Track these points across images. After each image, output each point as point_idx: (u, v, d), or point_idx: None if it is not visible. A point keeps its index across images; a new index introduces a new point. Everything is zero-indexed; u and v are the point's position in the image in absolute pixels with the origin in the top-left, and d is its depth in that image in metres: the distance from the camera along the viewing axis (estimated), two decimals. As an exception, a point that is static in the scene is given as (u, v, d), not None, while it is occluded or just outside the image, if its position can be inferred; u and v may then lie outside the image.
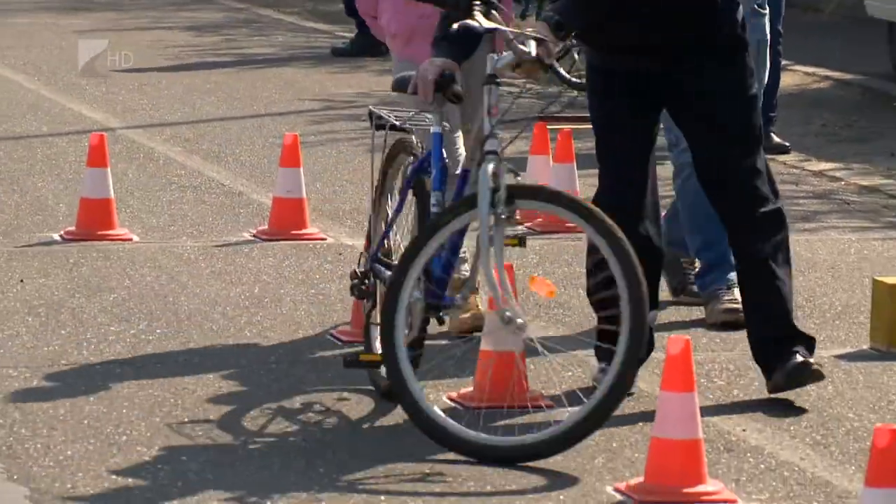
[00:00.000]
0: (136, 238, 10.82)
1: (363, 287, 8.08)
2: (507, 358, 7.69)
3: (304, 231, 10.94)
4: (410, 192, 8.00)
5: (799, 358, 8.00)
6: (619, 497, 6.65)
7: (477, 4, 7.52)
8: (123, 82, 16.59)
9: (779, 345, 8.07)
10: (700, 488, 6.59)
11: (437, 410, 7.30)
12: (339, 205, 11.71)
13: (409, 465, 7.11)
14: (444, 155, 7.83)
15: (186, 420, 7.82)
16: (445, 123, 7.83)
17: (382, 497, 6.75)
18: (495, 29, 7.46)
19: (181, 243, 10.84)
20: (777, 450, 7.26)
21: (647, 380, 8.01)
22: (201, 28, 20.37)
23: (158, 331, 9.12)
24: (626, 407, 7.59)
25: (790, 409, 7.85)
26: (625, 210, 7.82)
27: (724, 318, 9.47)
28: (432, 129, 7.79)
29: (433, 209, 7.72)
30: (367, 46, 18.53)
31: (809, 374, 7.96)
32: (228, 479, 7.17)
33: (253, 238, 10.94)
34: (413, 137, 8.11)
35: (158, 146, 13.57)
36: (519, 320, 7.28)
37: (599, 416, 7.15)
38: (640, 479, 6.67)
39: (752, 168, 8.10)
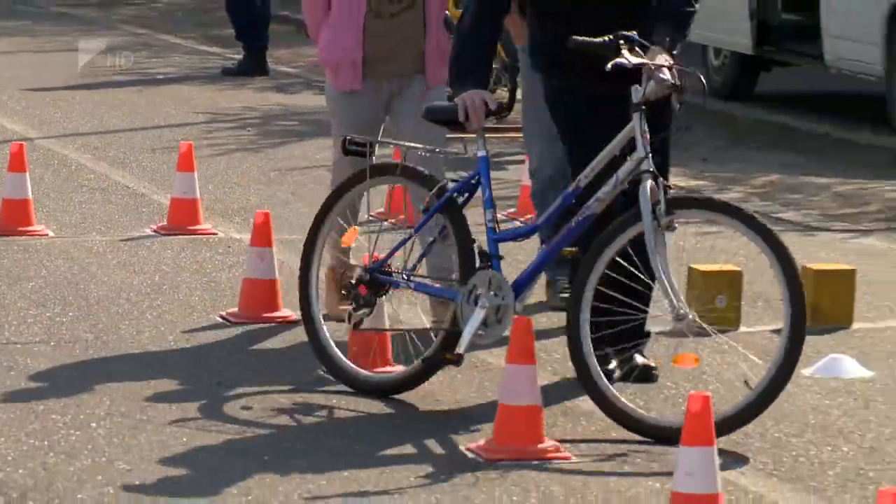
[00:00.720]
0: (51, 234, 10.75)
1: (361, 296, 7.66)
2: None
3: (198, 227, 10.89)
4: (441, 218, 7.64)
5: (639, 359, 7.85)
6: (470, 455, 6.64)
7: (623, 43, 7.22)
8: (40, 98, 16.43)
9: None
10: (540, 446, 6.71)
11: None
12: (229, 204, 11.68)
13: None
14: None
15: (95, 389, 7.79)
16: (483, 150, 7.47)
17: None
18: (643, 64, 7.19)
19: (91, 238, 10.77)
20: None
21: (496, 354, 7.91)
22: (106, 50, 20.11)
23: (71, 314, 9.06)
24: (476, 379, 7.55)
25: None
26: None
27: (557, 304, 9.23)
28: (479, 154, 7.48)
29: (488, 224, 7.51)
30: (252, 67, 18.44)
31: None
32: (130, 440, 7.16)
33: (153, 233, 10.88)
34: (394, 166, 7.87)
35: (71, 153, 13.46)
36: (690, 316, 7.10)
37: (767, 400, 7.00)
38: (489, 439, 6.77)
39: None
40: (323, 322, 7.87)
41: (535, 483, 6.41)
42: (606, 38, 7.18)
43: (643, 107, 7.21)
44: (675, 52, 7.41)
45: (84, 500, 6.48)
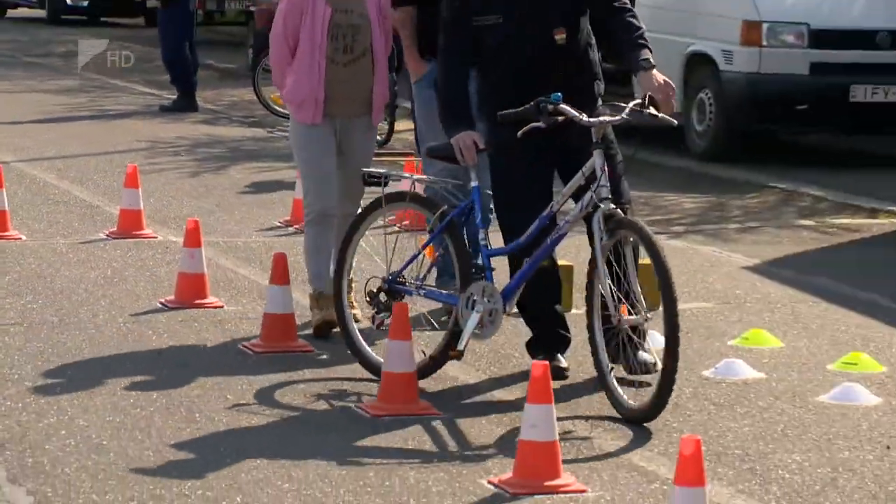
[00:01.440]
0: (24, 238, 10.62)
1: (381, 302, 7.42)
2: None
3: (142, 232, 10.78)
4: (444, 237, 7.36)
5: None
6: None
7: (543, 105, 6.79)
8: (14, 130, 16.25)
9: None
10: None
11: None
12: (166, 214, 11.61)
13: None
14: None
15: (59, 362, 7.73)
16: (475, 181, 7.22)
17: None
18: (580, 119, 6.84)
19: (56, 241, 10.66)
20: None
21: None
22: (68, 92, 19.96)
23: (40, 301, 8.97)
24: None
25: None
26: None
27: None
28: (472, 183, 7.19)
29: (481, 241, 7.31)
30: (184, 105, 18.31)
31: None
32: (88, 401, 7.12)
33: (106, 237, 10.77)
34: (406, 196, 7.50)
35: (39, 174, 13.33)
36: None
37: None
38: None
39: None
40: (356, 327, 7.67)
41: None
42: (529, 105, 6.85)
43: (602, 144, 6.92)
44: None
45: (51, 450, 6.43)
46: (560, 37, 6.93)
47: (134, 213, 10.86)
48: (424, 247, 7.59)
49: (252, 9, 22.13)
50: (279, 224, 11.41)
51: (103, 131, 16.52)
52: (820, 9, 14.78)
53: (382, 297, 7.45)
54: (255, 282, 9.34)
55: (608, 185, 6.87)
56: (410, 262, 7.55)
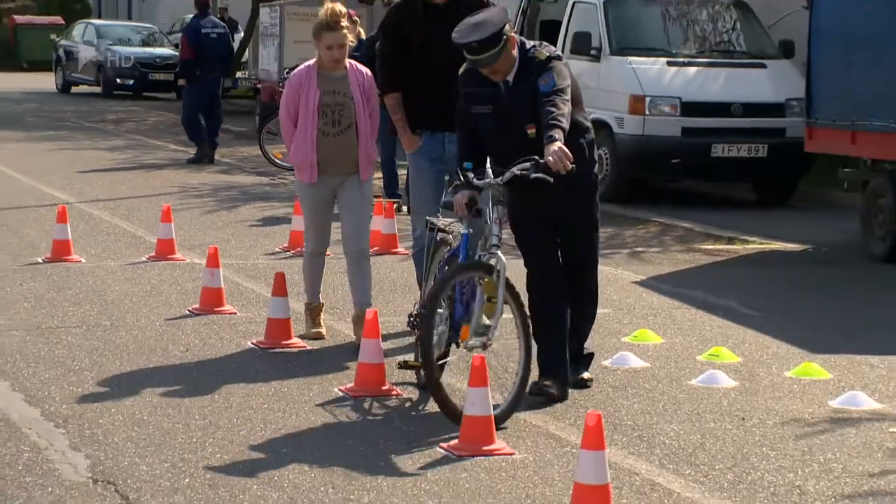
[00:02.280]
0: (83, 260, 10.51)
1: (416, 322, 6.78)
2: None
3: (174, 256, 10.66)
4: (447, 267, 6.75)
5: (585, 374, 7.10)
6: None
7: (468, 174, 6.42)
8: (76, 178, 16.17)
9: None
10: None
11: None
12: (193, 242, 11.52)
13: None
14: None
15: (111, 354, 7.68)
16: (471, 229, 6.57)
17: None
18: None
19: (107, 263, 10.55)
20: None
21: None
22: (116, 149, 19.92)
23: (95, 309, 8.90)
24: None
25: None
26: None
27: None
28: (462, 231, 6.60)
29: None
30: (203, 159, 18.20)
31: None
32: (135, 385, 7.05)
33: (146, 260, 10.65)
34: (450, 237, 6.82)
35: (95, 211, 13.25)
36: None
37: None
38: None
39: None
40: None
41: None
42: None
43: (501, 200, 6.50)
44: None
45: (103, 424, 6.39)
46: (531, 131, 6.54)
47: (168, 241, 10.76)
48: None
49: (258, 86, 22.16)
50: (279, 250, 11.37)
51: (144, 179, 16.43)
52: (689, 86, 14.84)
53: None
54: (260, 294, 9.27)
55: (499, 234, 6.48)
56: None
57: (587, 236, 6.92)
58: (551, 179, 6.20)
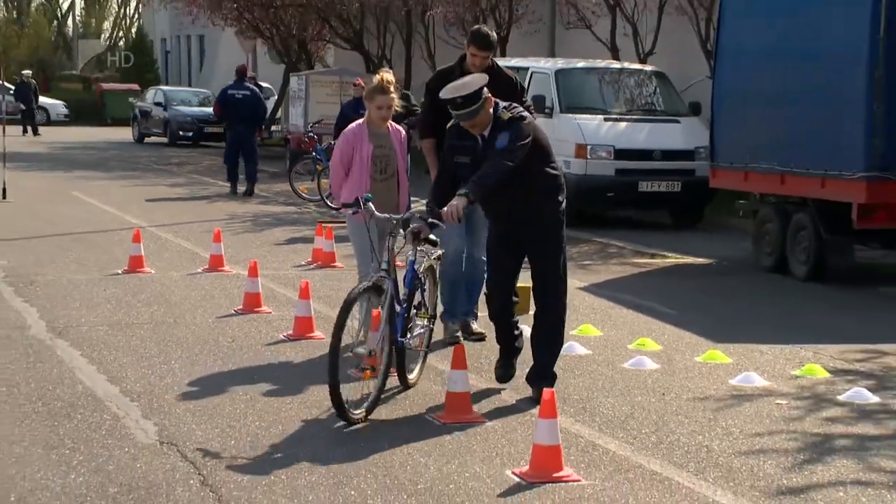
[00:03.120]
0: (153, 272, 10.43)
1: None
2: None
3: (223, 268, 10.58)
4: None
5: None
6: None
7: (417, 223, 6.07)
8: (146, 207, 16.10)
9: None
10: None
11: None
12: (237, 257, 11.39)
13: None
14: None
15: (173, 344, 7.55)
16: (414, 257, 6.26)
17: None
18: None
19: (171, 274, 10.47)
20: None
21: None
22: (179, 185, 19.83)
23: (162, 309, 8.84)
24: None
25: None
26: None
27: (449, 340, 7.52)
28: (409, 256, 6.26)
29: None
30: (235, 193, 17.88)
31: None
32: (192, 367, 6.96)
33: (202, 272, 10.57)
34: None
35: (162, 234, 13.16)
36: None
37: None
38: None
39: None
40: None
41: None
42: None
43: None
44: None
45: (167, 398, 6.32)
46: None
47: (218, 257, 10.70)
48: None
49: (288, 136, 22.13)
50: (304, 263, 11.32)
51: (200, 208, 16.34)
52: (620, 137, 14.88)
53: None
54: (290, 297, 9.21)
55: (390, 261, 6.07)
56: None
57: (553, 259, 6.37)
58: (443, 225, 5.97)
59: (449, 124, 6.35)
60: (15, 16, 43.51)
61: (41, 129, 31.76)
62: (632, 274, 11.43)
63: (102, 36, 46.00)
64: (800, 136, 10.11)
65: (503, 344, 6.64)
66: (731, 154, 12.07)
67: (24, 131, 30.37)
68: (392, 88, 6.99)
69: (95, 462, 5.18)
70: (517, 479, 5.10)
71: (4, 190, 15.67)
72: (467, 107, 5.99)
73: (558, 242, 6.38)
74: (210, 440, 5.61)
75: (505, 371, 6.67)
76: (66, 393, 6.34)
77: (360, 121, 7.27)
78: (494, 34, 7.53)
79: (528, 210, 6.26)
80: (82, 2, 45.61)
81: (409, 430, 5.86)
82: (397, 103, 7.21)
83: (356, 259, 7.60)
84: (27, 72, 34.14)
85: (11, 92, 29.66)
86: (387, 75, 7.02)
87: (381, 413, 6.12)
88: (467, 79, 6.20)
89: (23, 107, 30.72)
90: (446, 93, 6.11)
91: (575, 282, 10.59)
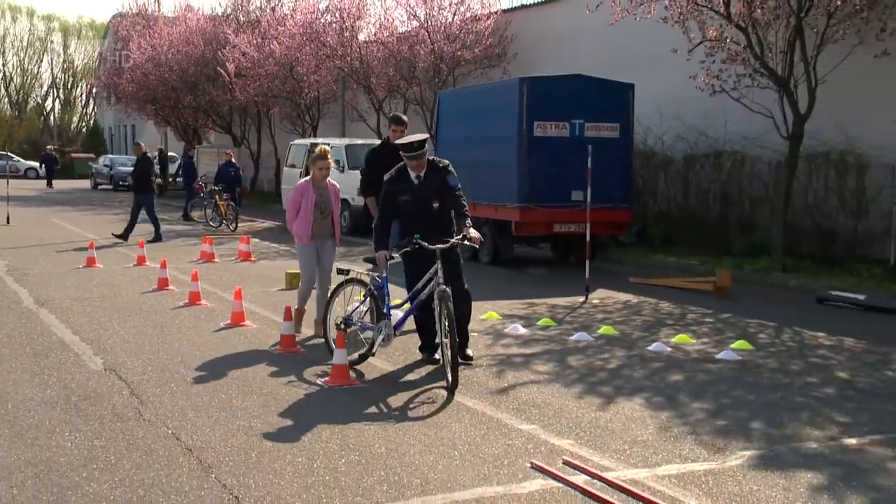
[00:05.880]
0: (102, 266, 12.57)
1: (342, 328, 7.60)
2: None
3: (145, 263, 12.51)
4: (370, 298, 7.50)
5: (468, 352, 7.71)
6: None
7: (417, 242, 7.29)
8: (98, 227, 17.95)
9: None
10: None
11: None
12: (154, 257, 12.08)
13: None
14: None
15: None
16: (385, 274, 7.44)
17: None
18: (434, 248, 7.25)
19: (112, 267, 11.67)
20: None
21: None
22: (120, 213, 21.81)
23: (107, 288, 10.65)
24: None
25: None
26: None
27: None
28: (383, 275, 7.44)
29: (386, 300, 7.32)
30: (157, 237, 17.81)
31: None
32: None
33: (132, 266, 12.83)
34: (362, 278, 7.84)
35: (107, 243, 14.61)
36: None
37: None
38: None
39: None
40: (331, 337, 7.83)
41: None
42: (407, 240, 7.37)
43: (441, 257, 7.22)
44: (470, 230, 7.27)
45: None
46: (435, 205, 7.53)
47: (142, 256, 13.47)
48: (362, 302, 7.73)
49: (198, 185, 24.48)
50: (195, 259, 13.71)
51: (136, 228, 17.32)
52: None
53: (342, 325, 7.61)
54: (186, 280, 11.22)
55: (442, 279, 7.16)
56: (355, 309, 7.69)
57: (459, 270, 7.61)
58: (477, 245, 7.27)
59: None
60: (17, 113, 68.81)
61: (42, 181, 46.34)
62: (554, 286, 12.06)
63: (72, 125, 71.14)
64: (484, 184, 14.95)
65: (428, 338, 7.81)
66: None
67: (49, 185, 43.10)
68: (329, 157, 8.70)
69: (63, 382, 6.93)
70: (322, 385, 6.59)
71: (8, 218, 22.30)
72: (420, 149, 7.46)
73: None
74: (136, 367, 7.35)
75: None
76: (45, 341, 8.45)
77: (308, 177, 8.81)
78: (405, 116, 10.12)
79: (444, 229, 7.62)
80: (59, 105, 71.42)
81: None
82: (332, 165, 8.80)
83: (301, 270, 8.97)
84: (50, 147, 53.78)
85: (41, 160, 47.31)
86: (325, 147, 8.77)
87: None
88: (418, 135, 7.61)
89: (44, 171, 45.89)
90: (405, 142, 7.49)
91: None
